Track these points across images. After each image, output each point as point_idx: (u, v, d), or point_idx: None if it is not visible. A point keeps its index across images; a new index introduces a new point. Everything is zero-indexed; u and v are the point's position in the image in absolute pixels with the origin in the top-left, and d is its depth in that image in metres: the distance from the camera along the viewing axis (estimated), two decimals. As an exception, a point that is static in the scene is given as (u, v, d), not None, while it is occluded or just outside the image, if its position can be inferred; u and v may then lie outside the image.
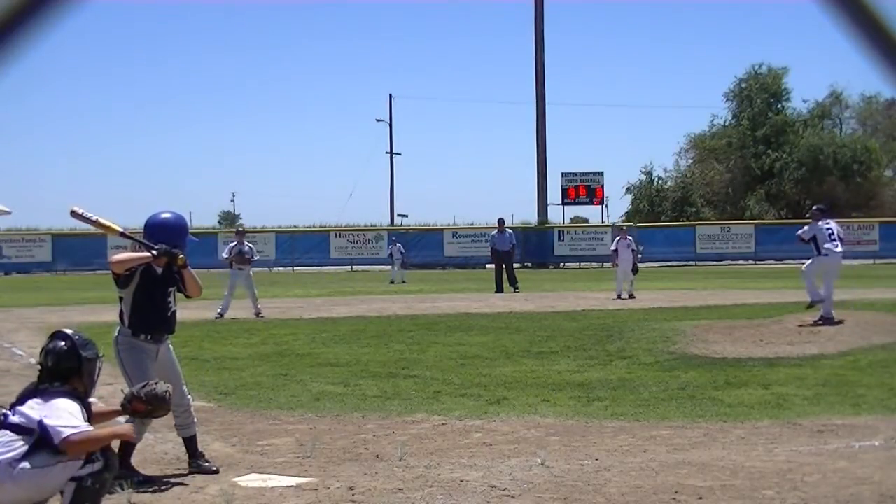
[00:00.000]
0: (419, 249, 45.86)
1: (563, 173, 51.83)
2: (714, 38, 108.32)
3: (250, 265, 18.61)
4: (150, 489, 5.97)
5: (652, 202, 58.92)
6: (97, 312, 16.85)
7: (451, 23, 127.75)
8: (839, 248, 14.37)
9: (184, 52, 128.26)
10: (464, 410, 8.74)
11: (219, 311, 17.69)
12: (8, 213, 38.23)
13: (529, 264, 43.58)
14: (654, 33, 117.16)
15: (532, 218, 51.25)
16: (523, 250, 41.02)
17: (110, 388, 8.14)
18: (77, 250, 43.66)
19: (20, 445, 4.76)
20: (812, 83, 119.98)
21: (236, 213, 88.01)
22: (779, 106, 61.89)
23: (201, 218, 75.01)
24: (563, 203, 51.84)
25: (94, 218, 6.54)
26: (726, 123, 63.36)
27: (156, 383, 5.69)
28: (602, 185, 52.44)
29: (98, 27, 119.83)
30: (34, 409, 4.86)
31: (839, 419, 8.05)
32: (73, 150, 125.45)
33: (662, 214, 57.12)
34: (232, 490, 5.91)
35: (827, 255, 14.25)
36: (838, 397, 9.10)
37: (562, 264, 45.74)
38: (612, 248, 23.09)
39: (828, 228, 14.37)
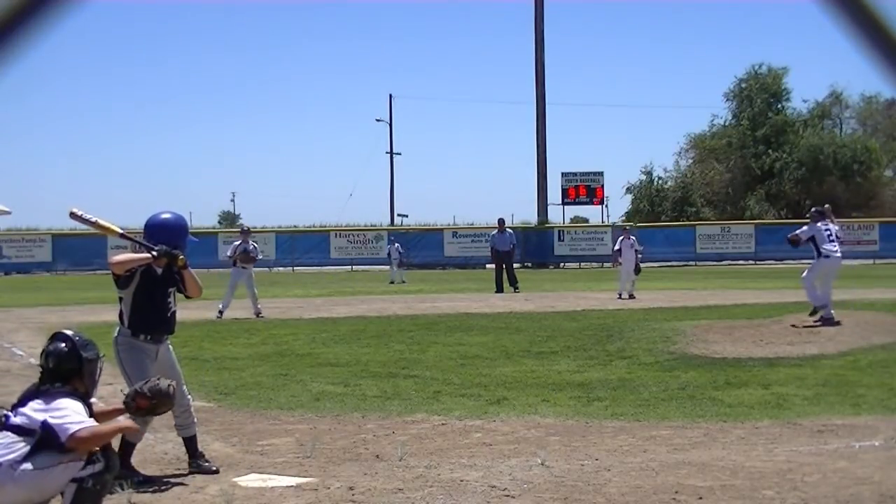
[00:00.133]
0: (419, 249, 45.88)
1: (563, 173, 51.85)
2: (714, 38, 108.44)
3: (253, 264, 18.62)
4: (150, 489, 5.97)
5: (652, 202, 58.93)
6: (97, 312, 16.85)
7: (451, 23, 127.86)
8: (838, 250, 14.37)
9: (184, 52, 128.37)
10: (464, 410, 8.74)
11: (220, 309, 17.70)
12: (8, 213, 38.25)
13: (529, 264, 43.59)
14: (654, 33, 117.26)
15: (532, 218, 51.33)
16: (523, 250, 41.02)
17: (110, 388, 8.14)
18: (77, 250, 43.66)
19: (21, 447, 4.77)
20: (812, 83, 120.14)
21: (236, 213, 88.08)
22: (779, 106, 61.90)
23: (201, 218, 75.09)
24: (563, 203, 51.85)
25: (93, 219, 6.55)
26: (726, 123, 63.37)
27: (158, 379, 5.70)
28: (602, 185, 52.45)
29: (98, 27, 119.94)
30: (36, 411, 4.86)
31: (839, 419, 8.05)
32: (74, 150, 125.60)
33: (662, 214, 57.13)
34: (232, 490, 5.91)
35: (828, 256, 14.24)
36: (838, 397, 9.10)
37: (562, 264, 45.75)
38: (616, 247, 23.10)
39: (826, 229, 14.36)
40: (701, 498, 5.58)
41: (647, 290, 22.13)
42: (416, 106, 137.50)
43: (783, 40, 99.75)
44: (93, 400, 5.25)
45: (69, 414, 4.82)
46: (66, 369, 5.07)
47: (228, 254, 18.90)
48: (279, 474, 6.35)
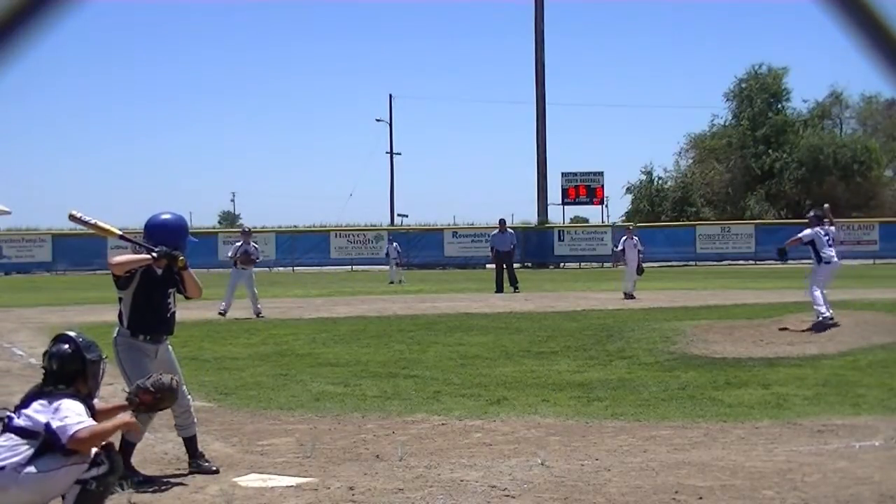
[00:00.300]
0: (419, 249, 45.89)
1: (563, 173, 51.84)
2: (714, 38, 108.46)
3: (254, 265, 18.62)
4: (150, 489, 5.97)
5: (652, 202, 58.92)
6: (97, 312, 16.84)
7: (452, 23, 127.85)
8: (835, 254, 14.39)
9: (184, 52, 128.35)
10: (464, 410, 8.74)
11: (221, 309, 17.71)
12: (8, 213, 38.24)
13: (529, 264, 43.59)
14: (654, 33, 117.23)
15: (532, 218, 51.31)
16: (523, 250, 41.02)
17: (110, 388, 8.13)
18: (77, 250, 43.63)
19: (25, 449, 4.77)
20: (812, 83, 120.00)
21: (236, 213, 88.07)
22: (779, 106, 61.87)
23: (201, 218, 75.06)
24: (563, 203, 51.84)
25: (92, 221, 6.56)
26: (726, 123, 63.34)
27: (161, 374, 5.71)
28: (602, 185, 52.45)
29: (98, 27, 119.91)
30: (39, 413, 4.86)
31: (839, 419, 8.05)
32: (74, 150, 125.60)
33: (662, 214, 57.11)
34: (232, 490, 5.91)
35: (829, 262, 14.23)
36: (838, 397, 9.10)
37: (562, 264, 45.74)
38: (619, 247, 23.09)
39: (825, 234, 14.36)
40: (701, 498, 5.58)
41: (647, 290, 22.12)
42: (416, 106, 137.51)
43: (783, 40, 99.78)
44: (94, 401, 5.25)
45: (70, 415, 4.82)
46: (69, 371, 5.07)
47: (229, 255, 18.93)
48: (279, 474, 6.35)
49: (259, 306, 18.10)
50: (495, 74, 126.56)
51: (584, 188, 51.65)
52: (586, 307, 18.68)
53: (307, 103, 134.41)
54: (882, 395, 9.17)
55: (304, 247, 47.41)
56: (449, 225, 52.45)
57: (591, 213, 58.28)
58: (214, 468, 6.45)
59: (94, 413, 5.05)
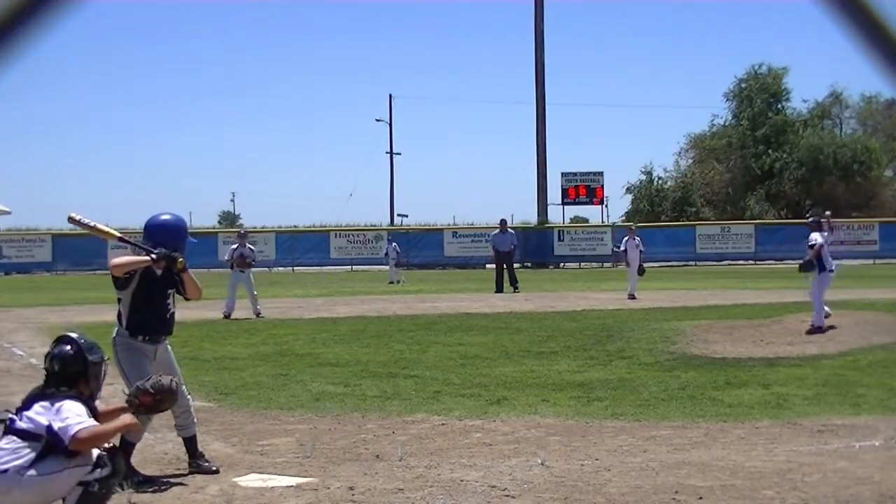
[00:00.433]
0: (419, 249, 45.87)
1: (563, 173, 51.83)
2: (714, 38, 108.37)
3: (250, 267, 18.59)
4: (150, 489, 5.97)
5: (652, 202, 58.90)
6: (97, 312, 16.84)
7: (451, 23, 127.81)
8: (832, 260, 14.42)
9: (184, 52, 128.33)
10: (464, 410, 8.74)
11: (224, 311, 17.74)
12: (8, 213, 38.23)
13: (529, 264, 43.57)
14: (654, 33, 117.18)
15: (532, 218, 51.28)
16: (523, 250, 41.01)
17: (110, 389, 8.11)
18: (77, 250, 43.61)
19: (27, 452, 4.77)
20: (812, 83, 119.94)
21: (236, 213, 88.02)
22: (779, 106, 61.84)
23: (201, 218, 75.02)
24: (563, 203, 51.83)
25: (91, 223, 6.58)
26: (726, 123, 63.32)
27: (160, 375, 5.72)
28: (602, 185, 52.45)
29: (98, 27, 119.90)
30: (41, 415, 4.86)
31: (839, 419, 8.05)
32: (74, 150, 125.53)
33: (662, 214, 57.10)
34: (232, 490, 5.91)
35: (832, 270, 14.20)
36: (838, 397, 9.10)
37: (562, 264, 45.74)
38: (622, 248, 23.07)
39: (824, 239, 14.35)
40: (701, 498, 5.58)
41: (647, 290, 22.12)
42: (416, 106, 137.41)
43: (783, 40, 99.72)
44: (97, 403, 5.25)
45: (70, 416, 4.83)
46: (71, 372, 5.07)
47: (226, 257, 18.95)
48: (279, 474, 6.35)
49: (259, 307, 18.10)
50: (495, 74, 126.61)
51: (584, 188, 51.65)
52: (586, 307, 18.68)
53: (307, 103, 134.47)
54: (882, 395, 9.18)
55: (304, 247, 47.40)
56: (449, 225, 52.43)
57: (591, 213, 58.33)
58: (214, 468, 6.46)
59: (95, 415, 5.05)
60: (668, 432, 7.66)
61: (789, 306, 15.96)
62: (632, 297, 21.24)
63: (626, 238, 23.02)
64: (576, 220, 59.07)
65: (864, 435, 7.35)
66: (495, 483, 5.94)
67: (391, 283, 31.77)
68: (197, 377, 10.12)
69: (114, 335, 6.39)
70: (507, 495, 5.69)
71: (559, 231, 47.83)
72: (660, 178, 61.17)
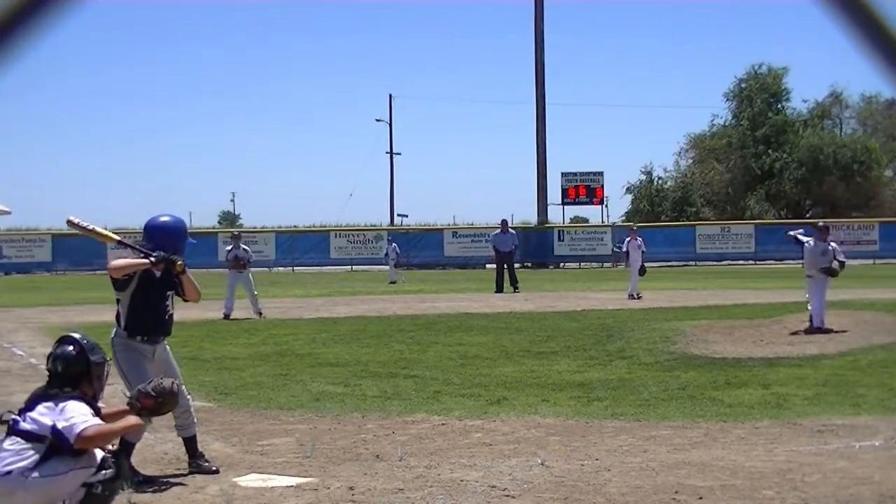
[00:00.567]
0: (419, 249, 45.88)
1: (563, 173, 51.85)
2: (714, 38, 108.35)
3: (245, 269, 18.55)
4: (150, 489, 5.97)
5: (652, 202, 58.90)
6: (97, 312, 16.83)
7: (451, 23, 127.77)
8: None
9: (184, 52, 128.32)
10: (464, 410, 8.74)
11: (224, 312, 17.74)
12: (8, 213, 38.24)
13: (529, 264, 43.57)
14: (654, 33, 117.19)
15: (532, 218, 51.29)
16: (523, 250, 41.04)
17: (110, 389, 8.10)
18: (77, 250, 43.59)
19: (32, 454, 4.77)
20: (812, 83, 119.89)
21: (236, 213, 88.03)
22: (779, 106, 61.85)
23: (201, 218, 75.00)
24: (563, 203, 51.85)
25: (90, 227, 6.63)
26: (726, 123, 63.33)
27: (161, 378, 5.73)
28: (602, 185, 52.47)
29: (98, 27, 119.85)
30: (45, 415, 4.86)
31: (839, 419, 8.05)
32: (74, 150, 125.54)
33: (662, 214, 57.10)
34: (232, 490, 5.92)
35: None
36: (838, 397, 9.10)
37: (562, 264, 45.75)
38: (624, 249, 23.05)
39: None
40: (701, 498, 5.58)
41: (647, 290, 22.12)
42: (416, 106, 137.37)
43: (783, 40, 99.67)
44: (100, 405, 5.25)
45: (75, 415, 4.83)
46: (74, 373, 5.07)
47: (222, 259, 19.00)
48: (279, 474, 6.35)
49: (259, 306, 18.10)
50: (495, 74, 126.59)
51: (584, 188, 51.67)
52: (586, 307, 18.68)
53: (307, 103, 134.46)
54: (882, 395, 9.17)
55: (304, 247, 47.41)
56: (449, 225, 52.43)
57: (591, 213, 58.33)
58: (214, 468, 6.46)
59: (99, 415, 5.06)
60: (668, 432, 7.66)
61: (789, 306, 15.96)
62: (632, 296, 21.23)
63: (628, 239, 22.99)
64: (576, 220, 59.08)
65: (864, 435, 7.35)
66: (495, 483, 5.94)
67: (391, 283, 31.79)
68: (197, 377, 10.12)
69: (112, 336, 6.39)
70: (507, 495, 5.69)
71: (559, 231, 47.85)
72: (660, 178, 61.23)
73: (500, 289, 24.63)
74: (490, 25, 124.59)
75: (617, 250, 39.25)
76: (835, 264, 13.94)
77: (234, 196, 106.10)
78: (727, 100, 63.44)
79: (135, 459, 6.25)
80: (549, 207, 50.36)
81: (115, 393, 6.42)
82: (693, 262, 44.75)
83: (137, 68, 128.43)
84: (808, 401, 8.98)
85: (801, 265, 14.75)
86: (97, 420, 4.90)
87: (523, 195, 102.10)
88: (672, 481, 5.92)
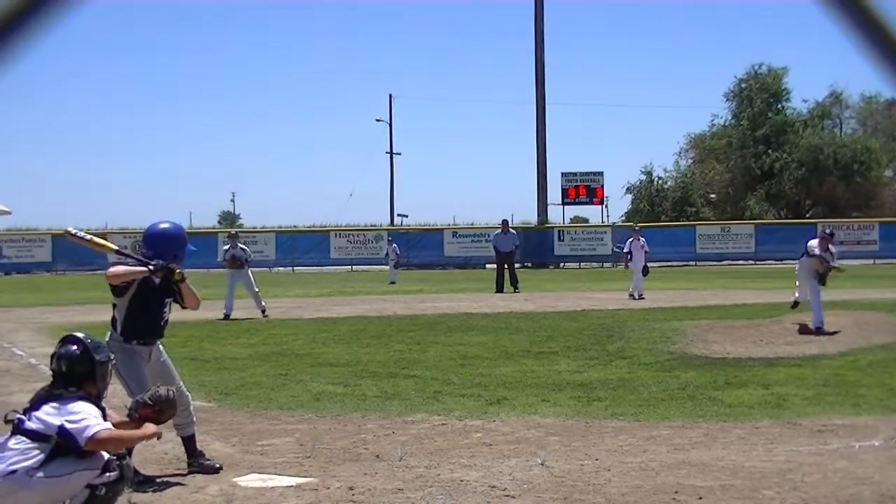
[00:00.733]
0: (419, 249, 45.88)
1: (563, 173, 51.85)
2: (714, 38, 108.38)
3: (243, 269, 18.52)
4: (150, 489, 5.97)
5: (652, 202, 58.89)
6: (97, 312, 16.80)
7: (451, 23, 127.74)
8: None
9: (184, 52, 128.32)
10: (464, 410, 8.74)
11: (224, 312, 17.73)
12: (8, 213, 38.25)
13: (529, 264, 43.57)
14: (654, 33, 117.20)
15: (532, 218, 51.27)
16: (523, 250, 41.06)
17: (110, 388, 8.14)
18: (77, 250, 43.20)
19: (37, 453, 4.77)
20: (812, 83, 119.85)
21: (236, 213, 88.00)
22: (779, 106, 61.84)
23: (201, 218, 75.07)
24: (563, 203, 51.85)
25: (88, 238, 6.74)
26: (726, 123, 63.33)
27: (158, 387, 5.75)
28: (602, 185, 52.48)
29: (98, 27, 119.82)
30: (51, 415, 4.85)
31: (839, 419, 8.06)
32: (74, 150, 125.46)
33: (662, 214, 57.10)
34: (232, 490, 5.92)
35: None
36: (838, 397, 9.10)
37: (562, 264, 45.74)
38: (626, 250, 23.03)
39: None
40: (701, 498, 5.58)
41: (647, 290, 22.10)
42: (416, 106, 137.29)
43: (783, 40, 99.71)
44: (109, 412, 5.26)
45: (87, 417, 4.83)
46: (78, 373, 5.07)
47: (220, 259, 18.97)
48: (279, 474, 6.35)
49: (263, 304, 18.09)
50: (495, 74, 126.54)
51: (584, 188, 51.68)
52: (586, 307, 18.67)
53: (307, 103, 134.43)
54: (882, 395, 9.18)
55: (304, 247, 47.40)
56: (449, 225, 52.42)
57: (591, 213, 58.36)
58: (217, 465, 6.48)
59: (105, 415, 5.06)
60: (668, 432, 7.66)
61: (789, 306, 15.94)
62: (632, 296, 21.22)
63: (630, 240, 22.95)
64: (576, 220, 59.08)
65: (864, 435, 7.36)
66: (495, 483, 5.94)
67: (391, 283, 31.79)
68: (197, 377, 10.12)
69: (107, 339, 6.42)
70: (507, 495, 5.69)
71: (559, 231, 47.84)
72: (660, 178, 61.21)
73: (500, 289, 24.63)
74: (490, 25, 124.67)
75: (617, 250, 39.25)
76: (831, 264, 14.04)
77: (234, 196, 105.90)
78: (727, 100, 63.49)
79: (135, 459, 6.24)
80: (549, 207, 50.41)
81: (115, 392, 6.42)
82: (693, 262, 44.73)
83: (137, 68, 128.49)
84: (808, 401, 8.98)
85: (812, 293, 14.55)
86: (108, 423, 4.92)
87: (523, 195, 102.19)
88: (672, 481, 5.92)
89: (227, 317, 17.66)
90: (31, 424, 4.86)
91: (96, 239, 6.83)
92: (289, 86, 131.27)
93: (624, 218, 58.31)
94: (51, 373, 5.21)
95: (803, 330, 13.67)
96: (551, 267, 44.93)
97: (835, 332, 13.41)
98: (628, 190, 60.82)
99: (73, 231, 6.64)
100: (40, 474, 4.72)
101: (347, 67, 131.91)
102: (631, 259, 22.45)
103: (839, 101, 64.13)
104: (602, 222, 52.03)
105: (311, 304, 21.53)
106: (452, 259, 46.26)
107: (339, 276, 39.66)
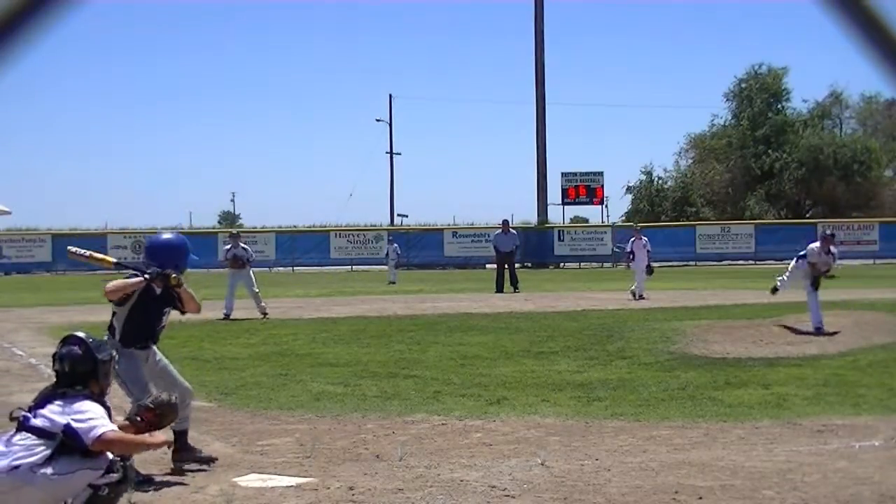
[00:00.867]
0: (419, 249, 45.89)
1: (563, 173, 51.87)
2: (714, 38, 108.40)
3: (245, 268, 18.51)
4: (150, 489, 5.97)
5: (652, 202, 58.91)
6: (97, 312, 16.79)
7: (452, 23, 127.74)
8: None
9: (184, 52, 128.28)
10: (464, 410, 8.74)
11: (224, 312, 17.72)
12: (8, 213, 38.23)
13: (529, 264, 43.57)
14: (654, 33, 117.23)
15: (532, 218, 51.28)
16: (523, 250, 41.07)
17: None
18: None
19: (42, 450, 4.77)
20: (812, 83, 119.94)
21: (236, 213, 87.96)
22: (779, 106, 61.84)
23: (201, 218, 75.01)
24: (563, 203, 51.87)
25: (87, 254, 6.94)
26: (726, 123, 63.34)
27: (160, 392, 5.81)
28: (602, 185, 52.50)
29: (98, 27, 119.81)
30: (57, 414, 4.86)
31: (839, 419, 8.06)
32: (74, 150, 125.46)
33: (662, 214, 57.11)
34: (232, 490, 5.92)
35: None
36: (838, 397, 9.10)
37: (562, 264, 45.75)
38: (628, 249, 23.01)
39: None
40: (701, 498, 5.58)
41: (648, 290, 22.09)
42: (416, 106, 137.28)
43: (783, 40, 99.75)
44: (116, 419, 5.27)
45: (94, 416, 4.84)
46: (81, 372, 5.08)
47: (221, 258, 18.96)
48: (279, 474, 6.35)
49: (263, 304, 18.08)
50: (495, 74, 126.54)
51: (584, 188, 51.70)
52: (586, 307, 18.66)
53: (307, 103, 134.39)
54: (882, 395, 9.18)
55: (304, 247, 47.41)
56: (449, 225, 52.44)
57: (591, 213, 58.38)
58: (214, 457, 6.54)
59: (111, 416, 5.07)
60: (668, 432, 7.66)
61: (789, 306, 15.95)
62: (634, 296, 21.19)
63: (632, 239, 22.88)
64: (576, 220, 59.10)
65: (864, 435, 7.36)
66: (495, 483, 5.94)
67: (390, 283, 31.79)
68: (197, 377, 10.11)
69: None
70: (507, 495, 5.69)
71: (559, 231, 47.86)
72: (660, 178, 61.22)
73: (500, 289, 24.63)
74: (490, 25, 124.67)
75: (618, 250, 39.24)
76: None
77: (234, 196, 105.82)
78: (727, 100, 63.50)
79: (135, 459, 6.25)
80: (549, 207, 50.44)
81: (113, 393, 6.43)
82: (693, 262, 44.75)
83: (137, 68, 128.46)
84: (808, 401, 8.98)
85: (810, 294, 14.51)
86: (114, 425, 4.93)
87: (523, 195, 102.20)
88: (672, 481, 5.93)
89: (227, 317, 17.64)
90: (36, 422, 4.87)
91: (96, 255, 7.02)
92: (289, 86, 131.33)
93: (624, 218, 58.32)
94: (53, 373, 5.22)
95: (803, 330, 13.67)
96: (551, 267, 44.94)
97: (835, 332, 13.41)
98: (628, 190, 60.89)
99: (74, 250, 6.88)
100: (45, 471, 4.73)
101: (347, 67, 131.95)
102: (633, 259, 22.42)
103: (839, 101, 64.16)
104: (602, 222, 52.05)
105: (311, 304, 21.53)
106: (452, 259, 46.27)
107: (339, 276, 39.66)
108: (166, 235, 6.85)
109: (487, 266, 37.72)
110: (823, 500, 5.50)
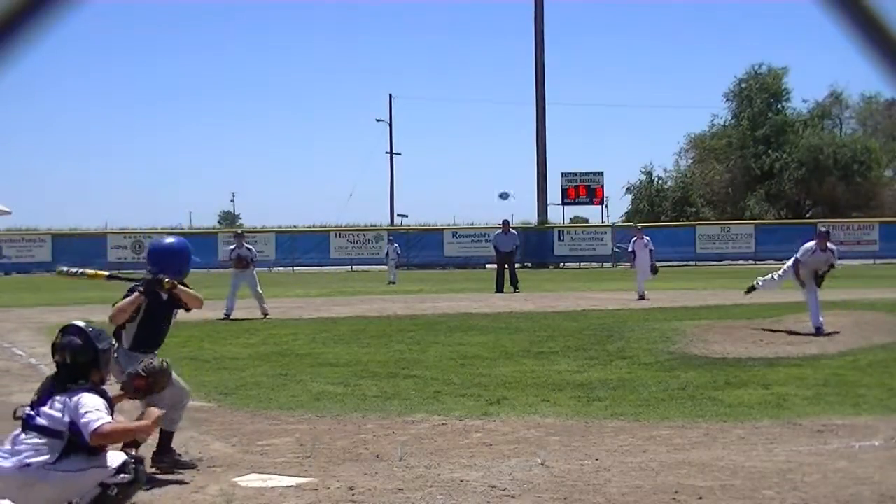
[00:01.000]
0: (419, 249, 45.88)
1: (563, 173, 51.87)
2: (714, 38, 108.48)
3: (249, 268, 18.50)
4: (150, 489, 5.97)
5: (652, 202, 58.91)
6: (97, 312, 16.80)
7: (451, 23, 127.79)
8: None
9: (184, 52, 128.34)
10: (464, 410, 8.74)
11: (224, 311, 17.70)
12: (8, 213, 38.24)
13: (529, 264, 43.57)
14: (655, 33, 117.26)
15: (532, 218, 51.30)
16: (523, 250, 41.06)
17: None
18: (77, 250, 43.51)
19: (50, 449, 4.78)
20: (812, 83, 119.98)
21: (236, 213, 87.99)
22: (779, 106, 61.83)
23: (201, 218, 75.06)
24: (563, 203, 51.86)
25: (79, 272, 6.95)
26: (726, 123, 63.33)
27: (151, 359, 5.82)
28: (602, 185, 52.48)
29: (98, 27, 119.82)
30: (61, 411, 4.86)
31: (839, 419, 8.06)
32: (74, 150, 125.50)
33: (662, 214, 57.10)
34: (232, 490, 5.92)
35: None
36: (838, 397, 9.10)
37: (562, 264, 45.75)
38: (630, 249, 22.98)
39: None
40: (701, 498, 5.58)
41: (648, 290, 22.10)
42: (416, 106, 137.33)
43: (783, 40, 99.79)
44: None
45: (91, 411, 4.84)
46: (82, 362, 5.07)
47: (226, 258, 18.94)
48: (279, 474, 6.35)
49: (266, 306, 18.07)
50: (495, 74, 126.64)
51: (584, 188, 51.69)
52: (586, 307, 18.67)
53: (307, 103, 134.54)
54: (882, 395, 9.18)
55: (304, 247, 47.41)
56: (449, 225, 52.43)
57: (591, 213, 58.35)
58: (194, 463, 6.53)
59: (112, 407, 5.07)
60: (668, 432, 7.66)
61: (790, 306, 15.95)
62: (642, 297, 21.14)
63: (633, 239, 22.81)
64: (576, 220, 59.10)
65: (864, 435, 7.36)
66: (495, 483, 5.94)
67: (390, 283, 31.80)
68: (197, 377, 10.12)
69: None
70: (507, 495, 5.69)
71: (559, 231, 47.86)
72: (660, 178, 61.23)
73: (500, 289, 24.63)
74: (490, 25, 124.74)
75: (618, 250, 39.23)
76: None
77: (234, 196, 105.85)
78: (727, 100, 63.50)
79: (147, 462, 6.26)
80: (549, 207, 50.44)
81: (112, 385, 6.45)
82: (693, 262, 44.73)
83: (137, 68, 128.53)
84: (808, 401, 8.98)
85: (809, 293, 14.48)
86: (109, 417, 4.92)
87: (523, 195, 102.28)
88: (672, 481, 5.92)
89: (227, 317, 17.63)
90: (40, 420, 4.87)
91: (88, 271, 7.05)
92: (289, 86, 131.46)
93: (624, 218, 58.33)
94: (54, 364, 5.21)
95: (803, 330, 13.67)
96: (551, 267, 44.94)
97: (835, 332, 13.41)
98: (628, 190, 60.90)
99: (65, 269, 6.86)
100: (55, 469, 4.74)
101: (347, 67, 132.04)
102: (635, 258, 22.37)
103: (839, 101, 64.15)
104: (602, 222, 52.03)
105: (311, 304, 21.52)
106: (452, 259, 46.27)
107: (339, 276, 39.66)
108: (168, 240, 6.84)
109: (487, 266, 37.73)
110: (823, 500, 5.50)
